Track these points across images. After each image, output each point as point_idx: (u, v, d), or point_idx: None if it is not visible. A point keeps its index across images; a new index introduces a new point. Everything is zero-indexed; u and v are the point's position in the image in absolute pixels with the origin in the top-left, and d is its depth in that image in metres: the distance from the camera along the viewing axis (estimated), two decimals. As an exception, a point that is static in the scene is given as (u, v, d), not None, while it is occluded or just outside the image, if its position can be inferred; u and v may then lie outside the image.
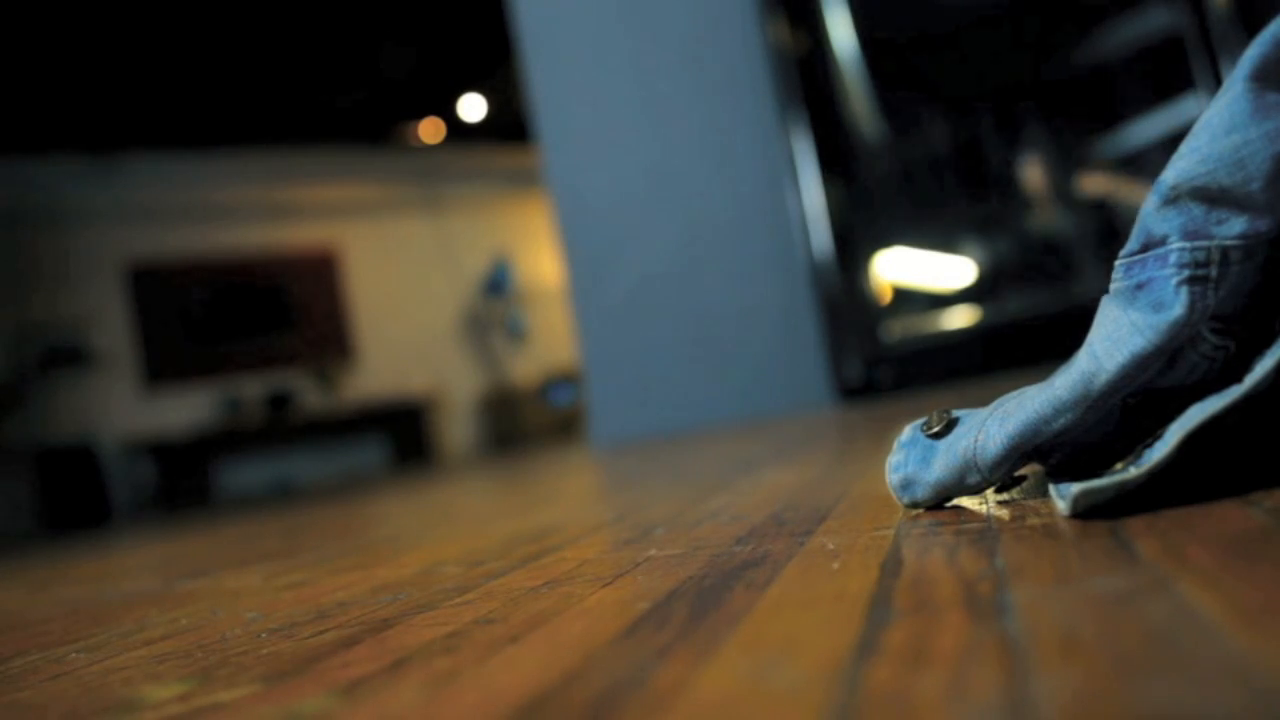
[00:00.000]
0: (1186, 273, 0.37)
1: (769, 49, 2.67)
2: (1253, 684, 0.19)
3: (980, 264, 2.67)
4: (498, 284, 8.14)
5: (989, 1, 2.64)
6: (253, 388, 7.12)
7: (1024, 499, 0.45)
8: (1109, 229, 2.49)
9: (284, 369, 7.24)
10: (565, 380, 7.73)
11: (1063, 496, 0.38)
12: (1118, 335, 0.38)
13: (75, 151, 6.57)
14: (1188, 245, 0.37)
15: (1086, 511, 0.38)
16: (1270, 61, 0.36)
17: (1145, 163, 2.46)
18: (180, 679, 0.39)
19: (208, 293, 7.04)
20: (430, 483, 2.52)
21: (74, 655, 0.50)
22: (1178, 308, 0.37)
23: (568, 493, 1.14)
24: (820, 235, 2.60)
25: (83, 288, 6.68)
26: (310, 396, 7.24)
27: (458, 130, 7.67)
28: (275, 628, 0.47)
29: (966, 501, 0.48)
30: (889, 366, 2.54)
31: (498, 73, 6.49)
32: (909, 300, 2.64)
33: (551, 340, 8.10)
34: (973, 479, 0.44)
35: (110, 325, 6.76)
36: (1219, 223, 0.37)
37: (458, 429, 7.91)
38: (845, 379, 2.56)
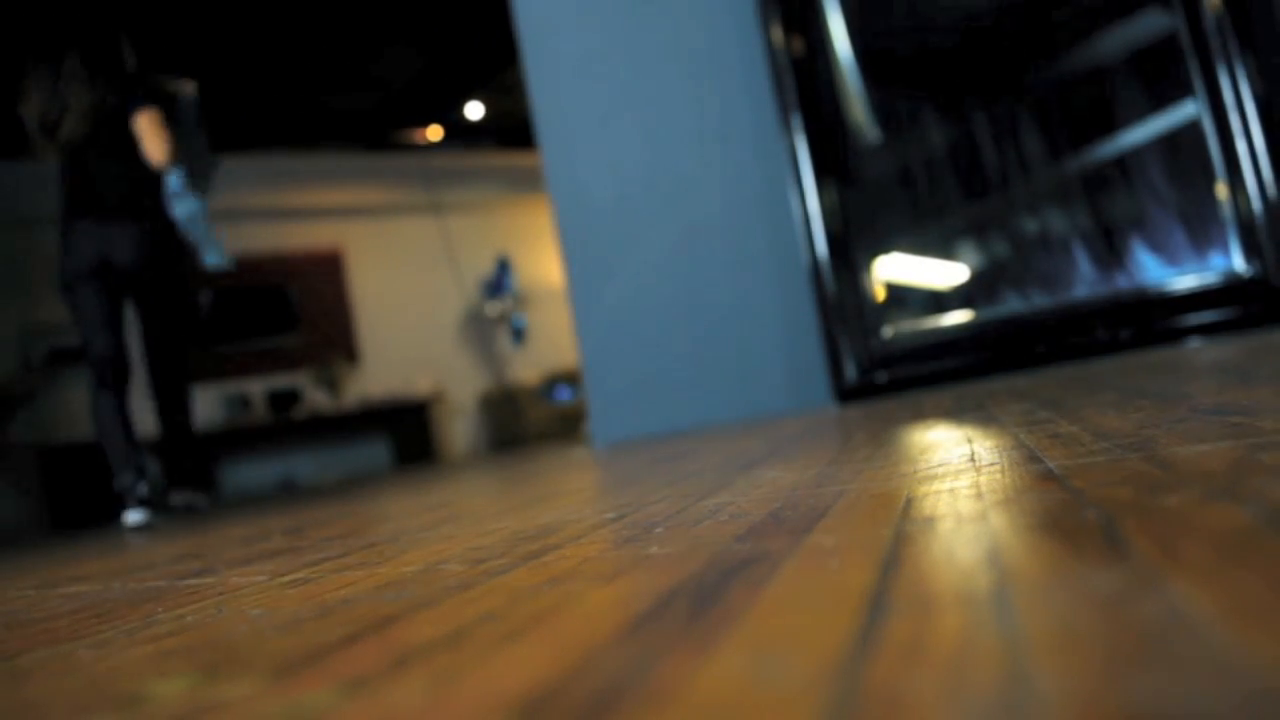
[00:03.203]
0: None
1: (768, 51, 2.67)
2: (1244, 682, 0.19)
3: (976, 265, 2.67)
4: (499, 285, 8.15)
5: (986, 6, 2.64)
6: (257, 388, 7.13)
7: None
8: (1104, 229, 2.49)
9: (288, 369, 7.25)
10: (567, 381, 7.74)
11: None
12: None
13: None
14: None
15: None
16: None
17: (1139, 164, 2.46)
18: (186, 675, 0.39)
19: (213, 294, 7.04)
20: (433, 481, 2.53)
21: (81, 652, 0.51)
22: None
23: (569, 491, 1.14)
24: (818, 236, 2.60)
25: (87, 287, 6.69)
26: (314, 396, 7.26)
27: (460, 134, 7.68)
28: (280, 624, 0.48)
29: (964, 500, 0.49)
30: (886, 368, 2.54)
31: (500, 77, 6.49)
32: (906, 302, 2.64)
33: (553, 341, 8.10)
34: None
35: (115, 325, 6.78)
36: None
37: (460, 428, 7.92)
38: (843, 381, 2.56)
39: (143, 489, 2.62)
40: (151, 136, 2.53)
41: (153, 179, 2.62)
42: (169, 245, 2.70)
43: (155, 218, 2.64)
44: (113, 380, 2.62)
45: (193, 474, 2.84)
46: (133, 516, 2.58)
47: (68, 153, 2.67)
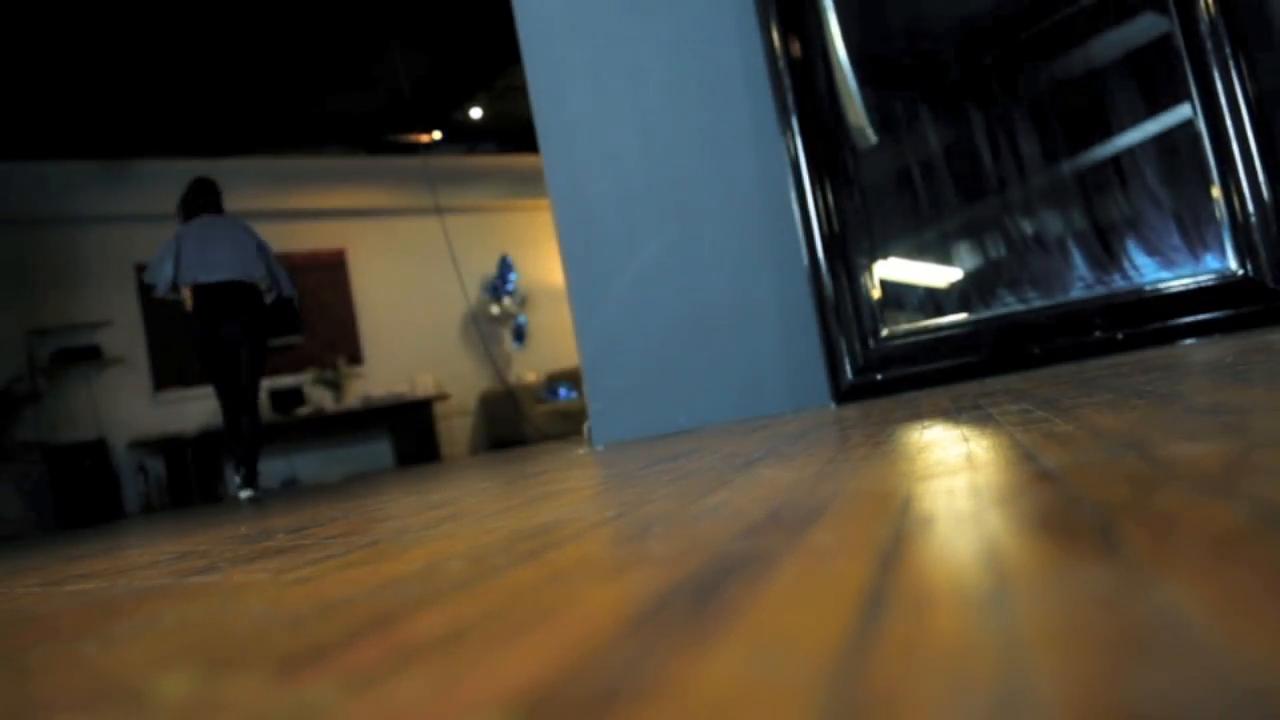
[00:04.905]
0: None
1: (767, 54, 2.67)
2: (1237, 681, 0.19)
3: (973, 266, 2.67)
4: (501, 286, 8.16)
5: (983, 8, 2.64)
6: (262, 387, 7.16)
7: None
8: (1100, 230, 2.49)
9: (292, 369, 7.27)
10: (568, 381, 7.74)
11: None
12: None
13: (88, 157, 6.63)
14: None
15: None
16: None
17: (1133, 164, 2.46)
18: (190, 671, 0.39)
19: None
20: (434, 480, 2.53)
21: (87, 648, 0.51)
22: None
23: (569, 490, 1.14)
24: (816, 237, 2.60)
25: (95, 289, 6.72)
26: (318, 395, 7.28)
27: (462, 136, 7.69)
28: (283, 622, 0.48)
29: (961, 499, 0.49)
30: (884, 368, 2.54)
31: (502, 79, 6.50)
32: (904, 302, 2.64)
33: (554, 341, 8.10)
34: None
35: (122, 326, 6.81)
36: None
37: (461, 428, 7.92)
38: (841, 381, 2.56)
39: (252, 475, 3.96)
40: None
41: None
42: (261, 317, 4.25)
43: (252, 304, 4.20)
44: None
45: (253, 472, 4.00)
46: (245, 493, 3.89)
47: None
